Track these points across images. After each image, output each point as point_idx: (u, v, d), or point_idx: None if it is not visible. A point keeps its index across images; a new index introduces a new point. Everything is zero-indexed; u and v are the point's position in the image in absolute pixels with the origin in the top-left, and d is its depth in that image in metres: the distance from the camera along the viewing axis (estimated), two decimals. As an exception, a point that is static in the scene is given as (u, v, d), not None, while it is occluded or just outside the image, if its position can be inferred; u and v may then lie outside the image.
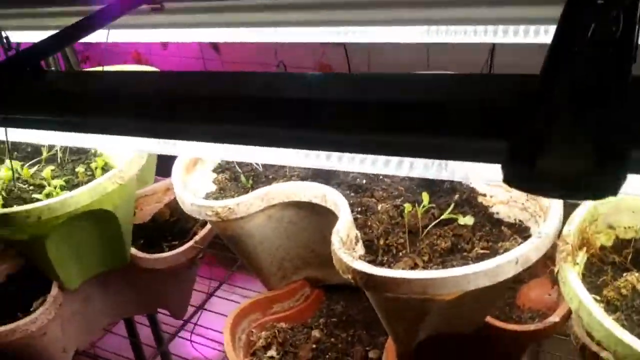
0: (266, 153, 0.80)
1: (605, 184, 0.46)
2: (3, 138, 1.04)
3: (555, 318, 1.08)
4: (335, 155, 0.79)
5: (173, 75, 0.94)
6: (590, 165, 0.46)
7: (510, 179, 0.48)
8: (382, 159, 0.75)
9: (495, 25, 0.98)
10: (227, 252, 1.88)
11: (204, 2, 1.20)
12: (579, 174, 0.46)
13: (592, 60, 0.51)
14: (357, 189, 1.11)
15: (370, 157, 0.75)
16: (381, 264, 0.93)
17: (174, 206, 1.68)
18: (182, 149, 0.91)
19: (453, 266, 0.88)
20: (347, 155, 0.78)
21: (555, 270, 0.82)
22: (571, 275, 0.77)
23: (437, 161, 0.73)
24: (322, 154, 0.80)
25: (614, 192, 0.46)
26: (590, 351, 0.95)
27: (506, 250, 0.92)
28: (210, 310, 1.81)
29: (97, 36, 1.27)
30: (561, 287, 0.80)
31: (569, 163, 0.46)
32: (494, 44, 1.18)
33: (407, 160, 0.72)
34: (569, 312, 1.09)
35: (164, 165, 1.64)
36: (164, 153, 0.89)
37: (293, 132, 0.70)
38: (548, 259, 1.28)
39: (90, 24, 1.02)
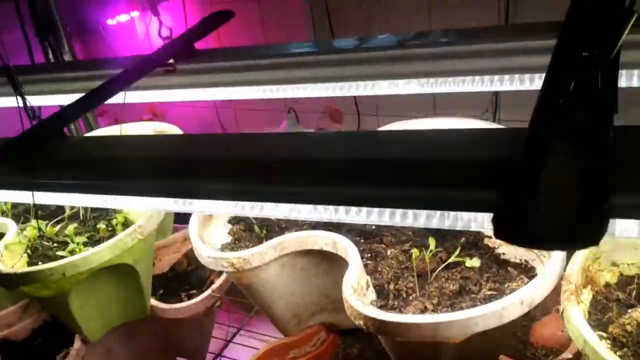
0: (276, 209, 0.85)
1: (589, 234, 0.50)
2: (30, 201, 1.10)
3: (567, 355, 1.09)
4: (342, 208, 0.83)
5: (188, 138, 1.01)
6: (575, 218, 0.50)
7: (500, 234, 0.52)
8: (387, 211, 0.80)
9: (496, 75, 1.03)
10: (245, 298, 1.91)
11: (214, 63, 1.27)
12: (564, 227, 0.50)
13: (575, 113, 0.55)
14: (367, 235, 1.15)
15: (375, 210, 0.79)
16: (392, 309, 0.96)
17: (191, 255, 1.73)
18: (198, 208, 0.96)
19: (462, 308, 0.91)
20: (354, 208, 0.83)
21: (561, 309, 0.85)
22: (575, 315, 0.80)
23: (439, 212, 0.77)
24: (331, 207, 0.84)
25: (596, 242, 0.50)
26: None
27: (513, 290, 0.94)
28: (228, 357, 1.83)
29: (115, 98, 1.34)
30: (567, 326, 0.82)
31: (555, 218, 0.50)
32: (496, 92, 1.23)
33: (410, 212, 0.76)
34: (582, 348, 1.11)
35: (182, 213, 1.70)
36: (181, 211, 0.94)
37: (301, 189, 0.75)
38: (559, 296, 1.30)
39: (108, 90, 1.09)
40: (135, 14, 3.64)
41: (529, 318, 1.30)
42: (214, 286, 1.50)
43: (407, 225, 0.76)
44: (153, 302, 1.47)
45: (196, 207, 0.96)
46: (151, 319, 1.47)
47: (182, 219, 1.73)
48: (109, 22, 3.68)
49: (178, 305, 1.46)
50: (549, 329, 1.27)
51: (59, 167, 0.97)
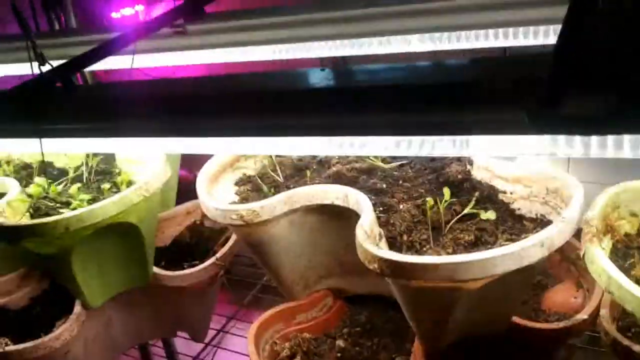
0: (296, 142, 0.82)
1: (623, 121, 0.48)
2: (36, 148, 1.08)
3: (583, 315, 1.07)
4: (358, 141, 0.81)
5: (202, 79, 0.99)
6: (608, 103, 0.48)
7: (535, 123, 0.50)
8: (404, 142, 0.77)
9: (506, 28, 1.01)
10: (246, 277, 1.89)
11: (226, 23, 1.25)
12: (597, 111, 0.48)
13: (608, 16, 0.53)
14: (378, 192, 1.13)
15: (392, 140, 0.77)
16: (406, 259, 0.94)
17: (194, 229, 1.70)
18: (211, 147, 0.94)
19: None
20: (370, 140, 0.80)
21: (582, 252, 0.83)
22: (598, 253, 0.77)
23: (458, 139, 0.74)
24: (347, 141, 0.82)
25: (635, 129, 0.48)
26: (622, 346, 0.94)
27: (530, 240, 0.92)
28: (231, 334, 1.80)
29: (122, 62, 1.32)
30: (589, 267, 0.80)
31: (588, 102, 0.48)
32: (505, 48, 1.20)
33: (428, 139, 0.74)
34: (597, 309, 1.08)
35: (184, 195, 1.68)
36: (194, 152, 0.92)
37: (326, 119, 0.73)
38: (571, 264, 1.28)
39: (116, 43, 1.07)
40: (139, 7, 3.63)
41: (541, 287, 1.28)
42: (217, 254, 1.47)
43: (425, 154, 0.73)
44: (155, 270, 1.43)
45: (208, 146, 0.93)
46: (153, 288, 1.44)
47: (184, 196, 1.70)
48: (114, 15, 3.67)
49: (181, 272, 1.43)
50: (562, 296, 1.24)
51: (65, 111, 0.95)
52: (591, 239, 0.81)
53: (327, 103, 0.73)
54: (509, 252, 0.80)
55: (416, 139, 0.73)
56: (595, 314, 1.08)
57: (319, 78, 0.79)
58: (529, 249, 0.81)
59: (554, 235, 0.83)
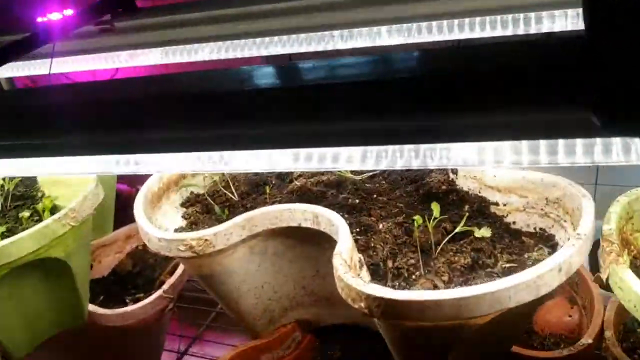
0: (253, 159, 0.66)
1: None
2: None
3: (588, 339, 0.95)
4: (329, 154, 0.64)
5: (128, 81, 0.80)
6: None
7: (611, 125, 0.36)
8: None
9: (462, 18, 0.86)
10: (199, 304, 1.69)
11: (161, 18, 1.07)
12: None
13: None
14: (351, 209, 0.97)
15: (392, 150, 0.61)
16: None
17: (137, 255, 1.50)
18: (145, 166, 0.75)
19: (478, 284, 0.75)
20: (344, 156, 0.64)
21: (604, 275, 0.70)
22: (630, 277, 0.65)
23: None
24: (315, 155, 0.65)
25: None
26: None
27: (536, 260, 0.79)
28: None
29: (44, 68, 1.13)
30: (617, 293, 0.67)
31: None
32: (459, 41, 1.04)
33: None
34: (601, 330, 0.97)
35: (125, 214, 1.47)
36: (126, 173, 0.73)
37: (293, 128, 0.56)
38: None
39: (28, 43, 0.87)
40: (68, 12, 3.36)
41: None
42: (164, 286, 1.28)
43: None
44: (91, 308, 1.22)
45: (141, 166, 0.75)
46: (90, 328, 1.23)
47: (125, 215, 1.49)
48: (40, 20, 3.38)
49: (122, 309, 1.23)
50: (555, 315, 1.13)
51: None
52: (616, 259, 0.68)
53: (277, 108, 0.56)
54: (524, 280, 0.66)
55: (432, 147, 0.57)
56: (599, 335, 0.96)
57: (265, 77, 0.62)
58: (545, 276, 0.67)
59: (572, 257, 0.69)
